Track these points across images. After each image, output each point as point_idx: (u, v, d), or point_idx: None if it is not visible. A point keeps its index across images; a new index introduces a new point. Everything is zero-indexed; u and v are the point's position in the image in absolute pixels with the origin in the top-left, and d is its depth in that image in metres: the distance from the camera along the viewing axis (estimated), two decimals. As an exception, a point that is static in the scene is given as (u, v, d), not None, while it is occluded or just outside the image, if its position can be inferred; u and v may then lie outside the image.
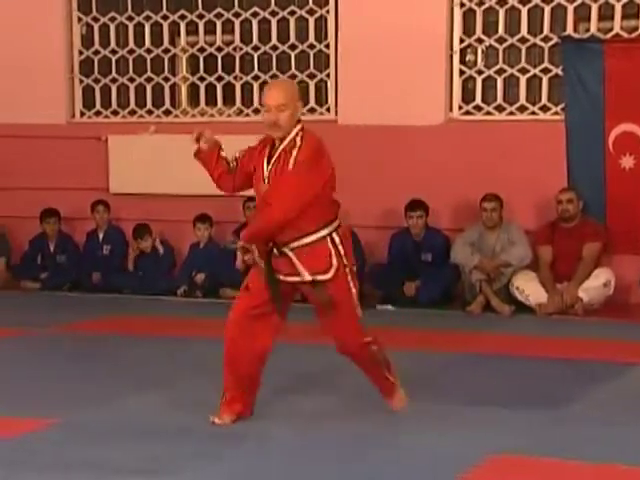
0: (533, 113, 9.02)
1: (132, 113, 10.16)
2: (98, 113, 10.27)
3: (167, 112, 10.07)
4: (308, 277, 4.73)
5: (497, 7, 9.01)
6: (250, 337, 4.85)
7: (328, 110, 9.51)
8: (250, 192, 9.82)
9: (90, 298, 9.29)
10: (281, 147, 4.78)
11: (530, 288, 8.39)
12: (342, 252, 4.78)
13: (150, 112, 10.10)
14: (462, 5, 9.06)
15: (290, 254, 4.76)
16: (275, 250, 4.79)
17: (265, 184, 4.81)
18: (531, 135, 8.85)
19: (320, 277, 4.74)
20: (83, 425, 5.01)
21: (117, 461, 4.43)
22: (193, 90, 10.09)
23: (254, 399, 5.06)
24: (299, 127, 4.81)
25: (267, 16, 9.65)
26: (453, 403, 5.17)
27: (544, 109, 9.00)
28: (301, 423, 5.00)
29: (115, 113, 10.22)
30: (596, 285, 8.32)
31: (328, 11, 9.46)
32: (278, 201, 4.70)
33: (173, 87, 10.11)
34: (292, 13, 9.58)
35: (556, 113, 8.92)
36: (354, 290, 4.84)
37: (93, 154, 10.06)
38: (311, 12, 9.54)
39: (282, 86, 4.99)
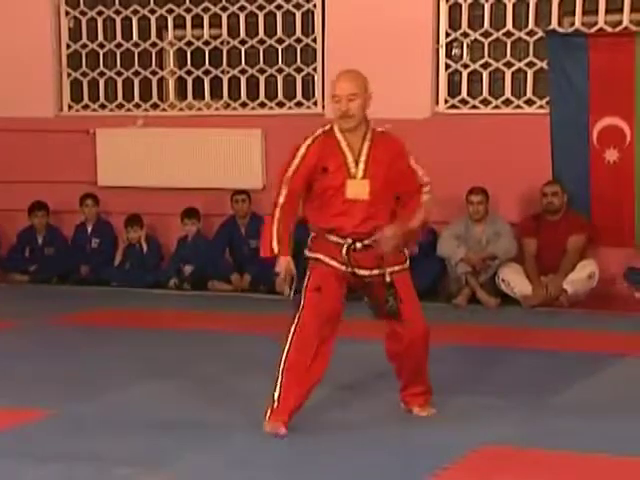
0: (518, 107, 9.08)
1: (120, 107, 10.18)
2: (86, 107, 10.28)
3: (155, 105, 10.10)
4: (387, 278, 4.79)
5: (482, 1, 9.06)
6: (318, 350, 4.72)
7: (315, 104, 9.56)
8: (236, 185, 9.85)
9: (78, 290, 9.33)
10: (367, 139, 4.92)
11: (516, 280, 8.45)
12: None
13: (138, 106, 10.12)
14: (448, -1, 9.14)
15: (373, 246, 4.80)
16: (359, 244, 4.80)
17: (358, 179, 4.83)
18: (516, 128, 8.89)
19: (398, 267, 4.85)
20: (78, 416, 5.05)
21: (113, 452, 4.46)
22: (181, 84, 10.11)
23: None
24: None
25: (254, 10, 9.69)
26: (437, 394, 5.18)
27: (529, 103, 9.06)
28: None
29: (103, 107, 10.23)
30: (580, 277, 8.39)
31: (315, 5, 9.51)
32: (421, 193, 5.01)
33: (161, 81, 10.13)
34: (279, 7, 9.62)
35: (541, 107, 8.97)
36: None
37: (81, 147, 10.06)
38: (298, 6, 9.58)
39: (351, 76, 4.95)
